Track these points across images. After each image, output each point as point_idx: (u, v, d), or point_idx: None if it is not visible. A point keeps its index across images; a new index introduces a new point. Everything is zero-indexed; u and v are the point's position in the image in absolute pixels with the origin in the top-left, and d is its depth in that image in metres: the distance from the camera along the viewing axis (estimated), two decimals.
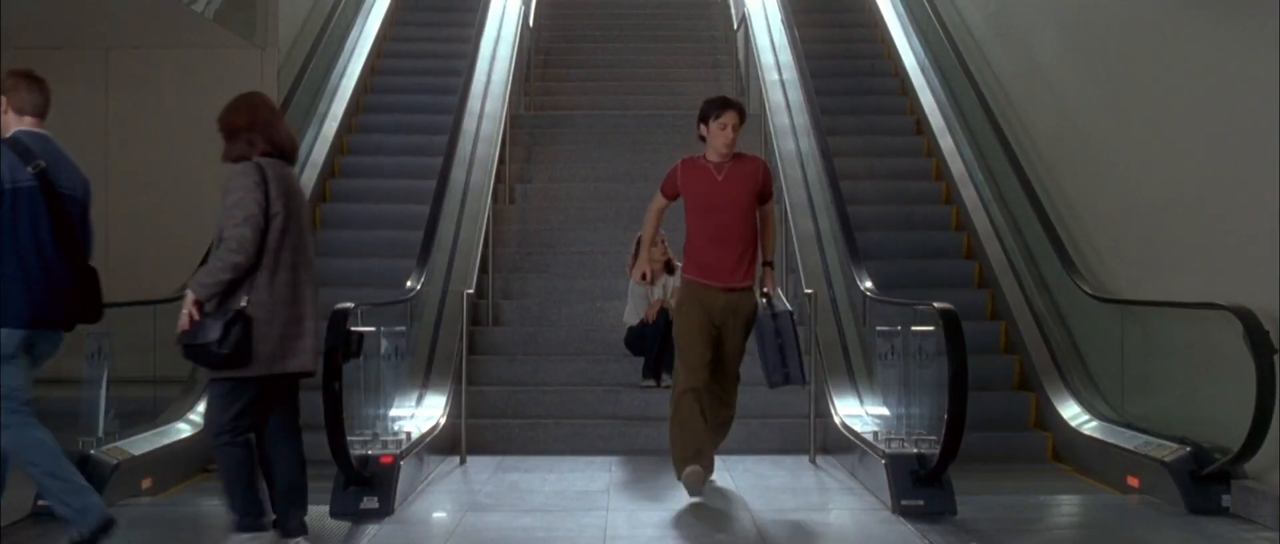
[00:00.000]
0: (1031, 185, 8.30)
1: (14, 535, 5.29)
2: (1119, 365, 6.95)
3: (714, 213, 6.00)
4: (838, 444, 7.00)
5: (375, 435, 6.08)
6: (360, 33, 11.82)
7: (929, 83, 10.82)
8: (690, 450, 5.88)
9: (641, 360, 8.16)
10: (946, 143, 10.04)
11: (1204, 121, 6.51)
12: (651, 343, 8.09)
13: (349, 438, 5.56)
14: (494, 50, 11.27)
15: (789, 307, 6.35)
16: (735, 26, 12.87)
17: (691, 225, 6.07)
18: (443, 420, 7.06)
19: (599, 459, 7.27)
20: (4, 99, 4.62)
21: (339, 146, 10.64)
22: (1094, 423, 6.95)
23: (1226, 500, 5.66)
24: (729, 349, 6.12)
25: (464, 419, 7.29)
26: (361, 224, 9.78)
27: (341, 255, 9.37)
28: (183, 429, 6.99)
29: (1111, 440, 6.58)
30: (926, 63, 10.95)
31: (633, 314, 8.28)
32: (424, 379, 7.41)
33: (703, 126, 6.17)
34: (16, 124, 4.60)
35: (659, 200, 6.27)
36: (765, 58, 10.96)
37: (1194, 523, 5.52)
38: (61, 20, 9.61)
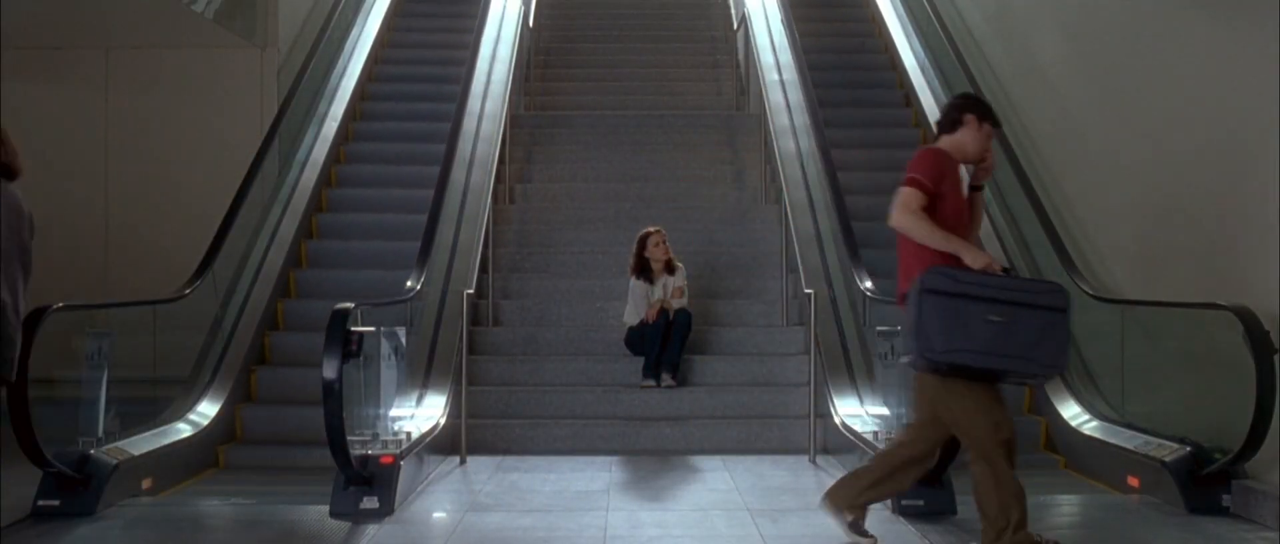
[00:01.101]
0: (1032, 185, 8.30)
1: (14, 536, 5.30)
2: (1119, 365, 6.95)
3: (963, 219, 4.86)
4: (838, 444, 7.00)
5: (375, 435, 6.08)
6: (360, 33, 11.82)
7: (929, 83, 10.82)
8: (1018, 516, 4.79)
9: (641, 360, 8.16)
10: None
11: (1204, 121, 6.51)
12: (652, 343, 8.09)
13: (349, 438, 5.57)
14: (494, 50, 11.27)
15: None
16: (735, 26, 12.87)
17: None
18: (443, 420, 7.06)
19: (599, 459, 7.27)
20: None
21: (339, 146, 10.64)
22: (1094, 423, 6.95)
23: (1226, 500, 5.66)
24: None
25: (464, 419, 7.29)
26: (360, 225, 9.78)
27: (338, 264, 9.37)
28: (183, 429, 7.00)
29: (1111, 440, 6.58)
30: (926, 63, 10.96)
31: (633, 314, 8.29)
32: (424, 379, 7.41)
33: (973, 120, 4.90)
34: None
35: (923, 197, 4.71)
36: (765, 58, 10.96)
37: (1194, 523, 5.52)
38: (61, 20, 9.63)
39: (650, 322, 8.14)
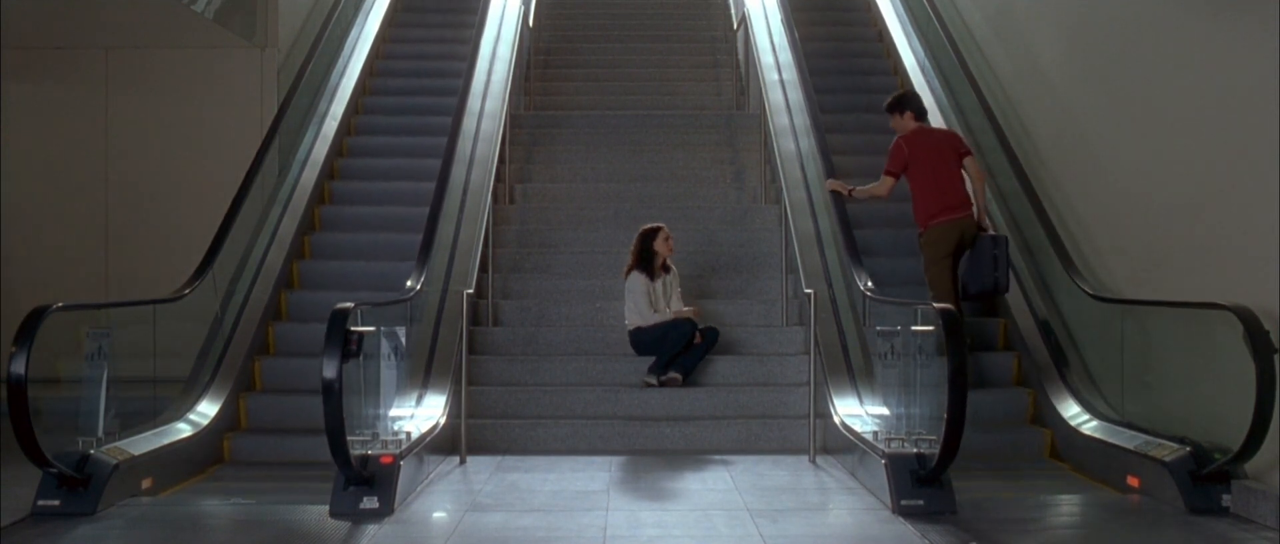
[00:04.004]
0: (1032, 185, 8.30)
1: (14, 535, 5.30)
2: (1119, 365, 6.95)
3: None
4: (838, 444, 7.00)
5: (375, 435, 6.08)
6: (360, 33, 11.82)
7: (929, 83, 10.81)
8: None
9: (641, 360, 8.13)
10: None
11: (1204, 121, 6.51)
12: (674, 348, 8.02)
13: (349, 438, 5.57)
14: (494, 50, 11.27)
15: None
16: (735, 26, 12.87)
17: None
18: (443, 420, 7.06)
19: (599, 459, 7.27)
20: None
21: (339, 146, 10.64)
22: (1094, 423, 6.95)
23: (1226, 500, 5.66)
24: None
25: (464, 419, 7.29)
26: (361, 223, 9.79)
27: (340, 256, 9.39)
28: (183, 429, 7.00)
29: (1111, 440, 6.57)
30: (926, 63, 10.95)
31: (635, 313, 8.19)
32: (424, 379, 7.41)
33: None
34: None
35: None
36: (765, 58, 10.95)
37: (1194, 523, 5.52)
38: (61, 20, 9.63)
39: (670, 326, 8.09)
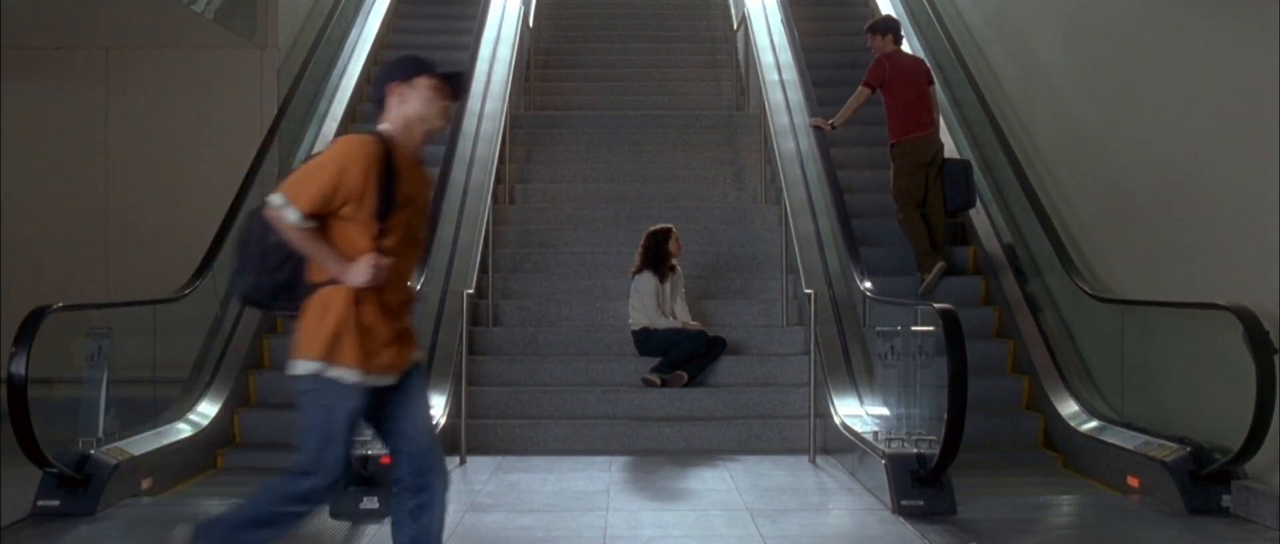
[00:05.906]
0: (1031, 185, 8.30)
1: (14, 535, 5.30)
2: (1119, 365, 6.95)
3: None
4: (838, 444, 7.00)
5: (375, 435, 6.06)
6: (360, 33, 11.82)
7: None
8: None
9: (644, 361, 8.12)
10: (946, 142, 10.03)
11: (1204, 120, 6.51)
12: (683, 352, 8.03)
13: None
14: (494, 50, 11.26)
15: None
16: (735, 26, 12.87)
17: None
18: (443, 420, 7.06)
19: (599, 459, 7.27)
20: None
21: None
22: (1093, 423, 6.95)
23: (1226, 500, 5.66)
24: None
25: (464, 419, 7.29)
26: None
27: None
28: (183, 429, 7.01)
29: (1111, 440, 6.57)
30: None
31: (642, 314, 8.18)
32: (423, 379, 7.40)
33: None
34: None
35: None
36: (765, 58, 10.95)
37: (1194, 523, 5.53)
38: (61, 20, 9.63)
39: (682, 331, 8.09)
